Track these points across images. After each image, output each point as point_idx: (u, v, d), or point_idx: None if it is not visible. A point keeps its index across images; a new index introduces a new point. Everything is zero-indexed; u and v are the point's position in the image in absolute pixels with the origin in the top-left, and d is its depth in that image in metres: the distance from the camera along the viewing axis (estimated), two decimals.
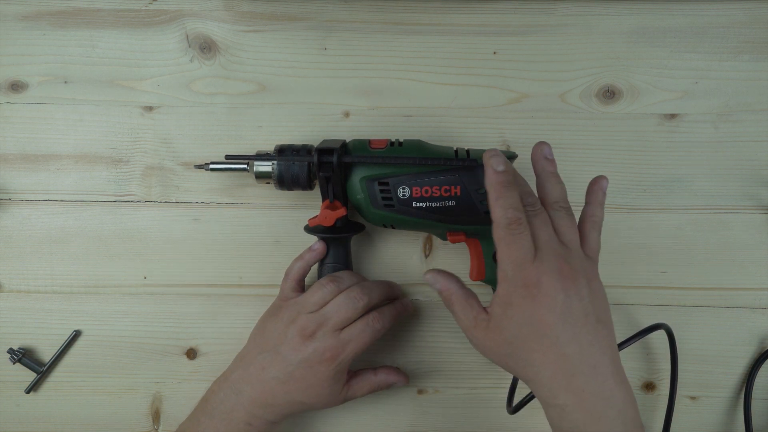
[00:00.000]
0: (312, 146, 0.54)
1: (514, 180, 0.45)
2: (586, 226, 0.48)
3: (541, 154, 0.48)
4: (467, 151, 0.53)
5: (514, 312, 0.44)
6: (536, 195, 0.48)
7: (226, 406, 0.52)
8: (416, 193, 0.52)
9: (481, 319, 0.46)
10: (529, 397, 0.55)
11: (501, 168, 0.44)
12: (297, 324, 0.51)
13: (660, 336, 0.57)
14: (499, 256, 0.45)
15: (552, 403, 0.43)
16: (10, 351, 0.60)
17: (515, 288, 0.44)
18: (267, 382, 0.51)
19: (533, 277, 0.43)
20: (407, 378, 0.58)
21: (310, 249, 0.55)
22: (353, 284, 0.53)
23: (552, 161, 0.48)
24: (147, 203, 0.60)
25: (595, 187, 0.49)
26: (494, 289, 0.56)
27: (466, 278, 0.58)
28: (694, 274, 0.60)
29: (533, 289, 0.43)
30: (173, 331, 0.61)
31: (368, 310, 0.53)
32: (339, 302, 0.52)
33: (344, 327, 0.52)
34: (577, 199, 0.59)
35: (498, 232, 0.44)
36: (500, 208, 0.44)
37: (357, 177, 0.53)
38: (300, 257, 0.55)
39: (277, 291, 0.57)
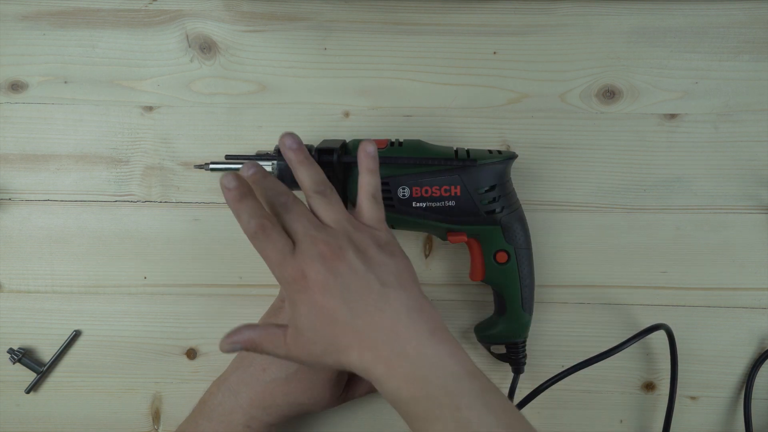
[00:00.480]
0: (312, 146, 0.54)
1: (248, 190, 0.44)
2: (360, 197, 0.47)
3: (286, 147, 0.46)
4: (467, 151, 0.53)
5: (299, 310, 0.43)
6: (289, 191, 0.46)
7: (225, 408, 0.51)
8: (416, 193, 0.52)
9: (289, 335, 0.44)
10: (529, 397, 0.55)
11: (232, 185, 0.43)
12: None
13: (660, 336, 0.57)
14: (268, 265, 0.44)
15: (373, 380, 0.42)
16: (10, 351, 0.60)
17: (289, 286, 0.43)
18: (267, 384, 0.51)
19: (297, 270, 0.43)
20: None
21: None
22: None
23: (297, 150, 0.46)
24: (147, 203, 0.60)
25: (361, 154, 0.48)
26: (494, 290, 0.56)
27: (466, 278, 0.58)
28: (694, 274, 0.60)
29: (302, 281, 0.42)
30: (173, 331, 0.61)
31: None
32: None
33: None
34: (576, 199, 0.59)
35: (253, 244, 0.44)
36: (242, 222, 0.43)
37: (357, 177, 0.53)
38: None
39: (277, 291, 0.57)
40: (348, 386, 0.54)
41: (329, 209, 0.46)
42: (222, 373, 0.54)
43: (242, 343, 0.45)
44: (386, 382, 0.41)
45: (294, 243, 0.44)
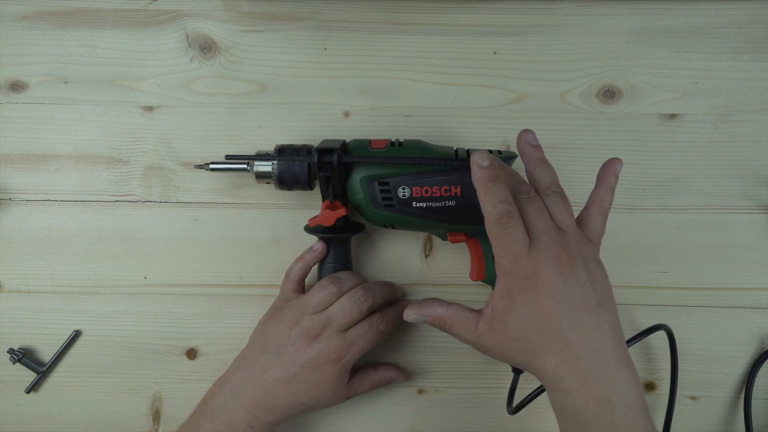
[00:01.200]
0: (312, 146, 0.54)
1: (501, 173, 0.45)
2: (591, 211, 0.48)
3: (526, 142, 0.47)
4: (467, 151, 0.53)
5: (517, 306, 0.44)
6: (528, 183, 0.47)
7: (227, 408, 0.51)
8: (416, 193, 0.52)
9: (484, 324, 0.46)
10: (530, 398, 0.55)
11: (486, 163, 0.44)
12: (301, 325, 0.52)
13: (660, 336, 0.57)
14: (495, 251, 0.45)
15: (557, 389, 0.43)
16: (10, 351, 0.60)
17: (514, 281, 0.44)
18: (269, 384, 0.51)
19: (531, 268, 0.43)
20: (406, 374, 0.59)
21: (310, 249, 0.55)
22: (356, 285, 0.54)
23: (538, 147, 0.48)
24: (147, 203, 0.60)
25: (608, 171, 0.48)
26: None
27: (466, 278, 0.58)
28: (694, 274, 0.60)
29: (532, 279, 0.43)
30: (173, 331, 0.61)
31: (371, 312, 0.53)
32: (343, 303, 0.52)
33: (349, 328, 0.52)
34: (577, 199, 0.59)
35: (490, 228, 0.44)
36: (489, 203, 0.44)
37: (357, 177, 0.53)
38: (300, 258, 0.55)
39: (277, 291, 0.57)
40: (350, 384, 0.54)
41: (564, 212, 0.46)
42: (223, 374, 0.54)
43: (431, 317, 0.47)
44: (575, 396, 0.42)
45: (530, 239, 0.44)
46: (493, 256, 0.53)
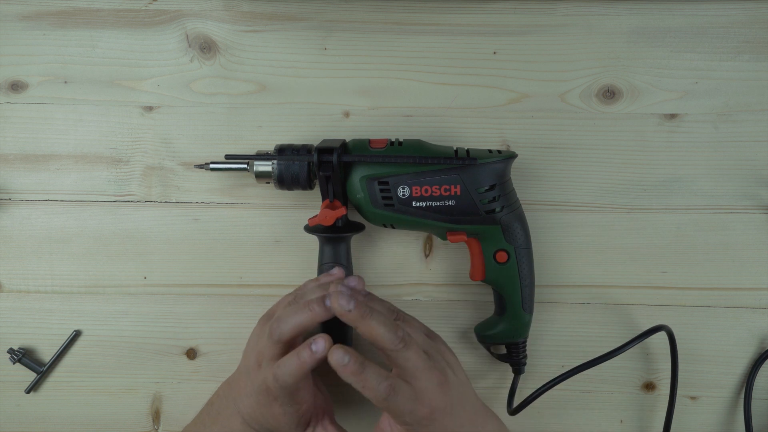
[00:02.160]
0: (312, 146, 0.54)
1: (362, 358, 0.44)
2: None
3: (341, 311, 0.44)
4: (467, 151, 0.53)
5: None
6: (391, 310, 0.49)
7: (228, 412, 0.51)
8: (416, 193, 0.52)
9: None
10: (530, 398, 0.55)
11: (345, 360, 0.43)
12: (258, 347, 0.49)
13: (660, 336, 0.57)
14: (393, 416, 0.46)
15: None
16: (10, 351, 0.60)
17: (417, 423, 0.45)
18: (250, 397, 0.49)
19: (426, 408, 0.45)
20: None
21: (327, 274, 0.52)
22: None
23: (355, 309, 0.44)
24: (147, 203, 0.60)
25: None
26: (494, 290, 0.56)
27: (466, 278, 0.58)
28: (694, 274, 0.60)
29: (430, 416, 0.45)
30: (173, 331, 0.61)
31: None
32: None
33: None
34: (577, 198, 0.60)
35: (380, 405, 0.45)
36: (370, 390, 0.43)
37: (357, 176, 0.53)
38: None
39: (277, 291, 0.57)
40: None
41: (415, 330, 0.48)
42: (230, 375, 0.54)
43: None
44: None
45: (410, 379, 0.45)
46: (493, 256, 0.54)
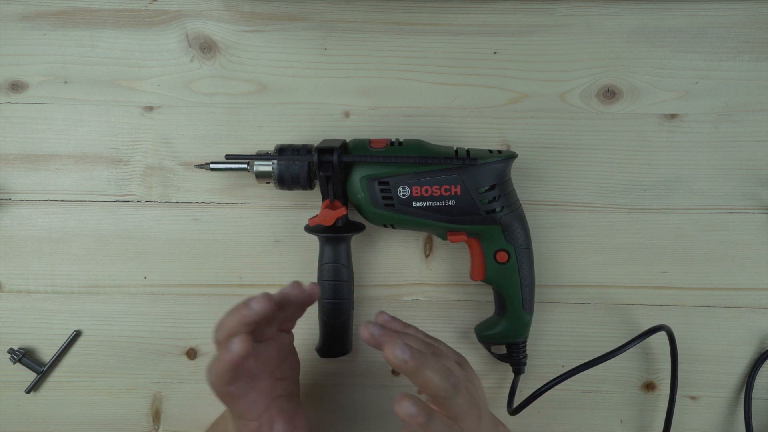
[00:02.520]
0: (312, 146, 0.54)
1: (428, 408, 0.42)
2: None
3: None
4: (467, 151, 0.53)
5: None
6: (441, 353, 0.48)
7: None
8: (416, 193, 0.52)
9: None
10: (530, 398, 0.55)
11: (412, 410, 0.41)
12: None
13: (660, 336, 0.57)
14: None
15: None
16: (11, 351, 0.60)
17: None
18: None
19: None
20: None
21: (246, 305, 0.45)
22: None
23: (410, 359, 0.42)
24: (147, 203, 0.60)
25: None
26: (494, 289, 0.56)
27: (466, 278, 0.58)
28: (694, 274, 0.60)
29: None
30: (173, 331, 0.61)
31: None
32: None
33: None
34: (576, 199, 0.60)
35: None
36: None
37: (357, 176, 0.53)
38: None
39: (276, 291, 0.57)
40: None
41: (448, 361, 0.47)
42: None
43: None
44: None
45: (457, 421, 0.44)
46: (493, 256, 0.54)
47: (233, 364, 0.43)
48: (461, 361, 0.50)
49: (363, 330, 0.43)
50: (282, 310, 0.47)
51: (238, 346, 0.43)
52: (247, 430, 0.47)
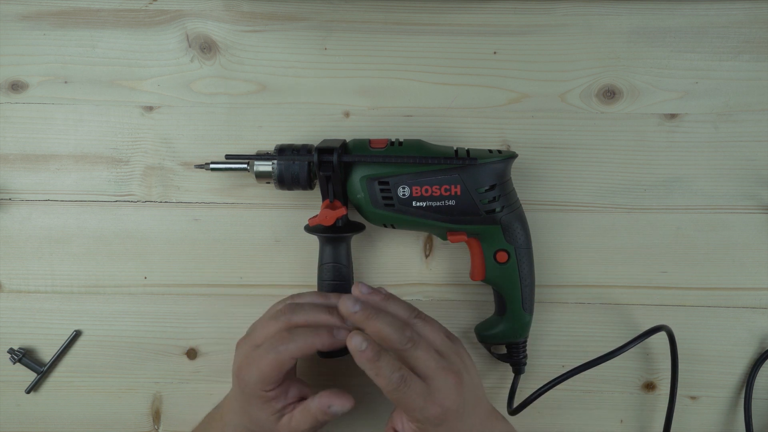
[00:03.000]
0: (312, 146, 0.54)
1: (380, 347, 0.45)
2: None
3: (348, 311, 0.46)
4: (467, 151, 0.53)
5: None
6: (404, 320, 0.48)
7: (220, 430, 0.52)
8: (416, 193, 0.52)
9: None
10: (530, 398, 0.55)
11: (364, 346, 0.44)
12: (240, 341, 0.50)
13: (660, 336, 0.57)
14: (403, 409, 0.46)
15: None
16: (11, 351, 0.60)
17: (427, 422, 0.46)
18: (229, 401, 0.52)
19: (438, 408, 0.45)
20: (352, 400, 0.48)
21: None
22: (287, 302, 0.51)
23: (364, 307, 0.46)
24: (147, 203, 0.60)
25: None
26: (494, 290, 0.56)
27: (466, 278, 0.58)
28: (694, 274, 0.60)
29: (441, 416, 0.45)
30: (173, 331, 0.61)
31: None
32: (263, 318, 0.50)
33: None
34: (576, 199, 0.60)
35: (391, 396, 0.45)
36: (383, 380, 0.44)
37: (357, 176, 0.53)
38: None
39: (277, 291, 0.57)
40: (291, 417, 0.49)
41: (433, 332, 0.48)
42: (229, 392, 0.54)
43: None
44: None
45: (425, 378, 0.45)
46: (493, 256, 0.54)
47: (328, 348, 0.47)
48: (450, 336, 0.50)
49: (341, 306, 0.46)
50: None
51: (344, 337, 0.46)
52: (266, 418, 0.48)
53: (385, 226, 0.55)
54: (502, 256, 0.54)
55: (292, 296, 0.52)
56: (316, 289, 0.55)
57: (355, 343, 0.45)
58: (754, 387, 0.59)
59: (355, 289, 0.48)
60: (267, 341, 0.47)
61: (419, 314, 0.49)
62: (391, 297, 0.50)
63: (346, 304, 0.46)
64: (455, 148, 0.53)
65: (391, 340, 0.45)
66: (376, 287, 0.49)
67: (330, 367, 0.60)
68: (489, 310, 0.58)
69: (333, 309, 0.48)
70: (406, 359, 0.45)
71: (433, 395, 0.45)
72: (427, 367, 0.45)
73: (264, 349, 0.46)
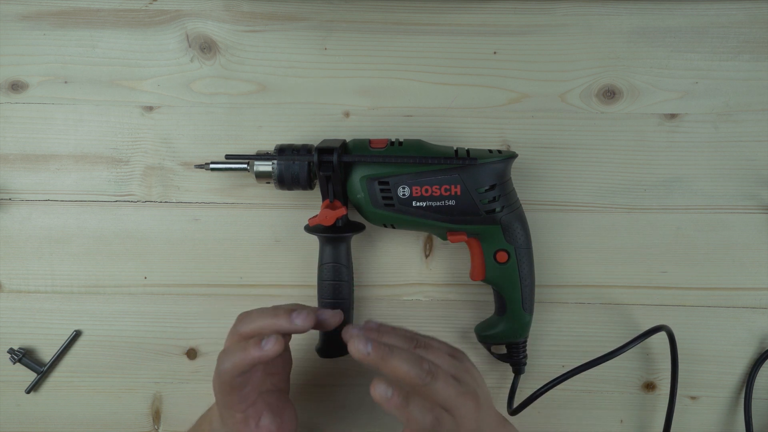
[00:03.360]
0: (312, 146, 0.54)
1: (406, 391, 0.43)
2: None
3: (376, 392, 0.44)
4: (467, 151, 0.53)
5: None
6: (415, 340, 0.47)
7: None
8: (416, 193, 0.52)
9: None
10: (530, 398, 0.55)
11: (389, 393, 0.43)
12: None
13: (660, 336, 0.57)
14: None
15: None
16: (11, 351, 0.60)
17: None
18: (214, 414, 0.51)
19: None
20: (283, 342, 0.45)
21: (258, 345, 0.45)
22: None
23: (375, 349, 0.44)
24: (147, 203, 0.60)
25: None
26: (494, 290, 0.56)
27: (466, 278, 0.58)
28: (694, 274, 0.60)
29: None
30: (173, 331, 0.61)
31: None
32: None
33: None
34: (576, 199, 0.60)
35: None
36: (415, 423, 0.43)
37: (357, 176, 0.53)
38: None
39: (277, 291, 0.57)
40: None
41: (439, 354, 0.47)
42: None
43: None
44: None
45: (448, 409, 0.44)
46: (493, 256, 0.54)
47: (258, 362, 0.44)
48: (456, 354, 0.49)
49: (352, 350, 0.44)
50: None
51: (272, 347, 0.44)
52: (232, 422, 0.47)
53: (385, 226, 0.55)
54: (502, 256, 0.54)
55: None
56: (316, 290, 0.55)
57: (380, 392, 0.43)
58: (754, 387, 0.59)
59: (353, 343, 0.44)
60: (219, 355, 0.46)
61: (419, 341, 0.48)
62: (385, 326, 0.48)
63: (357, 347, 0.43)
64: (455, 148, 0.53)
65: (411, 377, 0.43)
66: (364, 321, 0.48)
67: (330, 367, 0.60)
68: (489, 310, 0.58)
69: (279, 313, 0.46)
70: (427, 394, 0.44)
71: (461, 423, 0.44)
72: (448, 397, 0.44)
73: (218, 361, 0.46)
